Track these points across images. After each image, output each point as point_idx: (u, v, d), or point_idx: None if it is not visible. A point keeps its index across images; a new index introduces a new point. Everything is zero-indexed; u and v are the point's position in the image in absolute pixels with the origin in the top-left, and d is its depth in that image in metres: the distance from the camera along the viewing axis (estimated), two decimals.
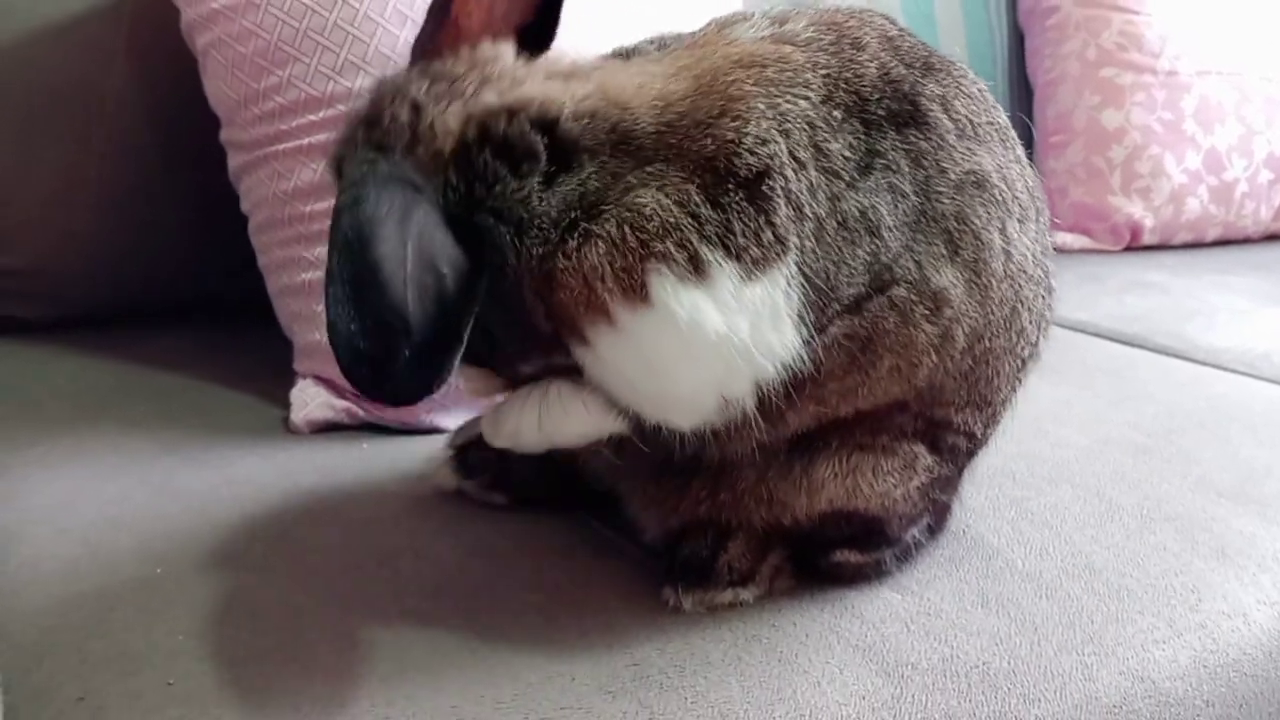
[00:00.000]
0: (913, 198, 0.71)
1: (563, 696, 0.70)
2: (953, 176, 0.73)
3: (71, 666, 0.71)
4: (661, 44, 0.79)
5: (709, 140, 0.67)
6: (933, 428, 0.79)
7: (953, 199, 0.72)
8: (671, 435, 0.73)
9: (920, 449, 0.79)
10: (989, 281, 0.74)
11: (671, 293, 0.65)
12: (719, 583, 0.80)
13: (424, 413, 1.07)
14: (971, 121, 0.75)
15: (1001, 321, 0.77)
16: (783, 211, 0.66)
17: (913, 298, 0.71)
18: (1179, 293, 1.63)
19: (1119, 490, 1.00)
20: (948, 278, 0.72)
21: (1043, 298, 0.81)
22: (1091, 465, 1.05)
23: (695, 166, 0.67)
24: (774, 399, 0.70)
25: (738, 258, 0.65)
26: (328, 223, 1.02)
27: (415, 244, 0.63)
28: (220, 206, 1.17)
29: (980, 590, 0.83)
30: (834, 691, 0.72)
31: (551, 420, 0.77)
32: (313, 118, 1.06)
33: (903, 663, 0.75)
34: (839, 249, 0.68)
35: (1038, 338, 0.82)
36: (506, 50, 0.73)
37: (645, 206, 0.66)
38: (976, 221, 0.73)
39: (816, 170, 0.68)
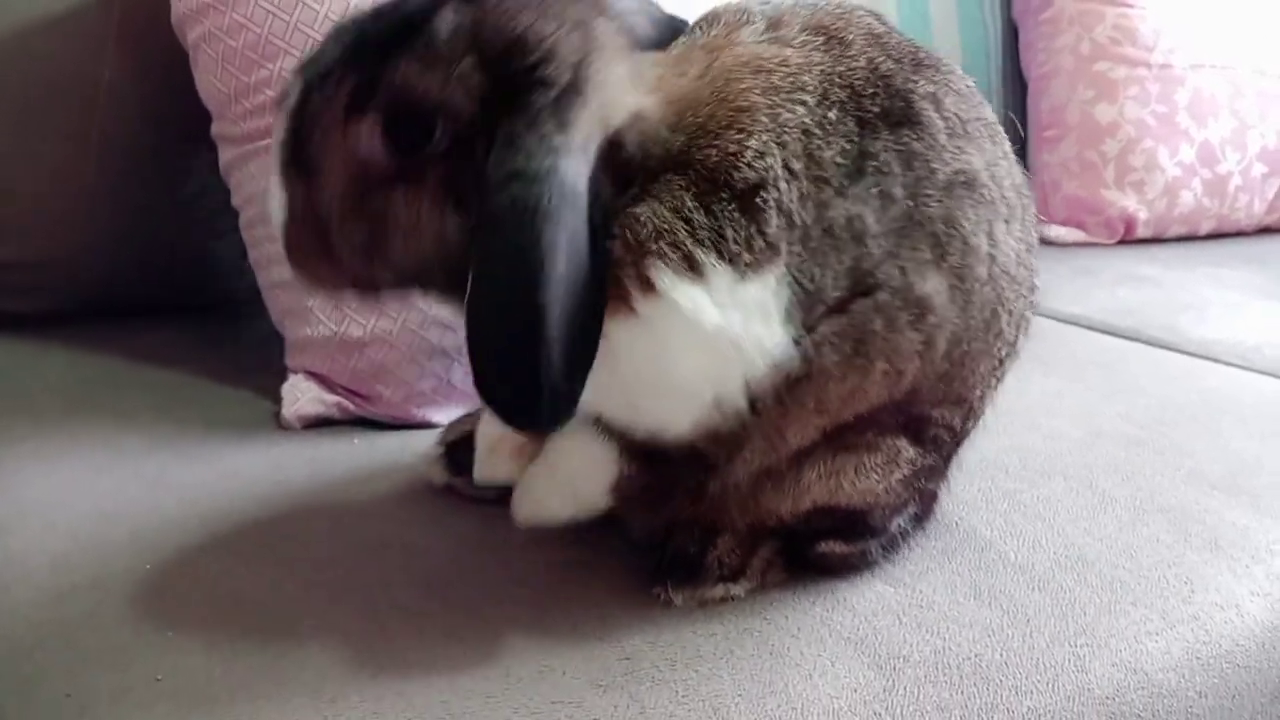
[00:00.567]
0: (902, 201, 0.72)
1: (554, 690, 0.69)
2: (942, 177, 0.73)
3: (60, 661, 0.71)
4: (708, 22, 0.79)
5: (714, 151, 0.69)
6: (914, 421, 0.79)
7: (941, 202, 0.73)
8: (676, 463, 0.75)
9: (903, 442, 0.79)
10: (971, 287, 0.75)
11: (671, 284, 0.67)
12: (709, 578, 0.80)
13: (415, 408, 1.07)
14: (961, 119, 0.76)
15: (981, 325, 0.77)
16: (774, 221, 0.68)
17: (896, 303, 0.72)
18: (1172, 286, 1.63)
19: (1111, 482, 1.00)
20: (932, 284, 0.73)
21: (1024, 298, 0.81)
22: (1084, 457, 1.05)
23: (696, 175, 0.69)
24: (770, 409, 0.72)
25: (730, 261, 0.68)
26: None
27: (575, 267, 0.64)
28: (213, 200, 1.17)
29: (973, 582, 0.83)
30: (826, 684, 0.72)
31: (574, 476, 0.79)
32: None
33: (895, 655, 0.75)
34: (824, 254, 0.70)
35: (1016, 337, 0.82)
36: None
37: (641, 215, 0.68)
38: (965, 225, 0.74)
39: (807, 179, 0.70)
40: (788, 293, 0.69)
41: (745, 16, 0.78)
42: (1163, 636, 0.80)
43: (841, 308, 0.71)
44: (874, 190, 0.71)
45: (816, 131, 0.70)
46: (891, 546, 0.85)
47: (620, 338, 0.68)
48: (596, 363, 0.67)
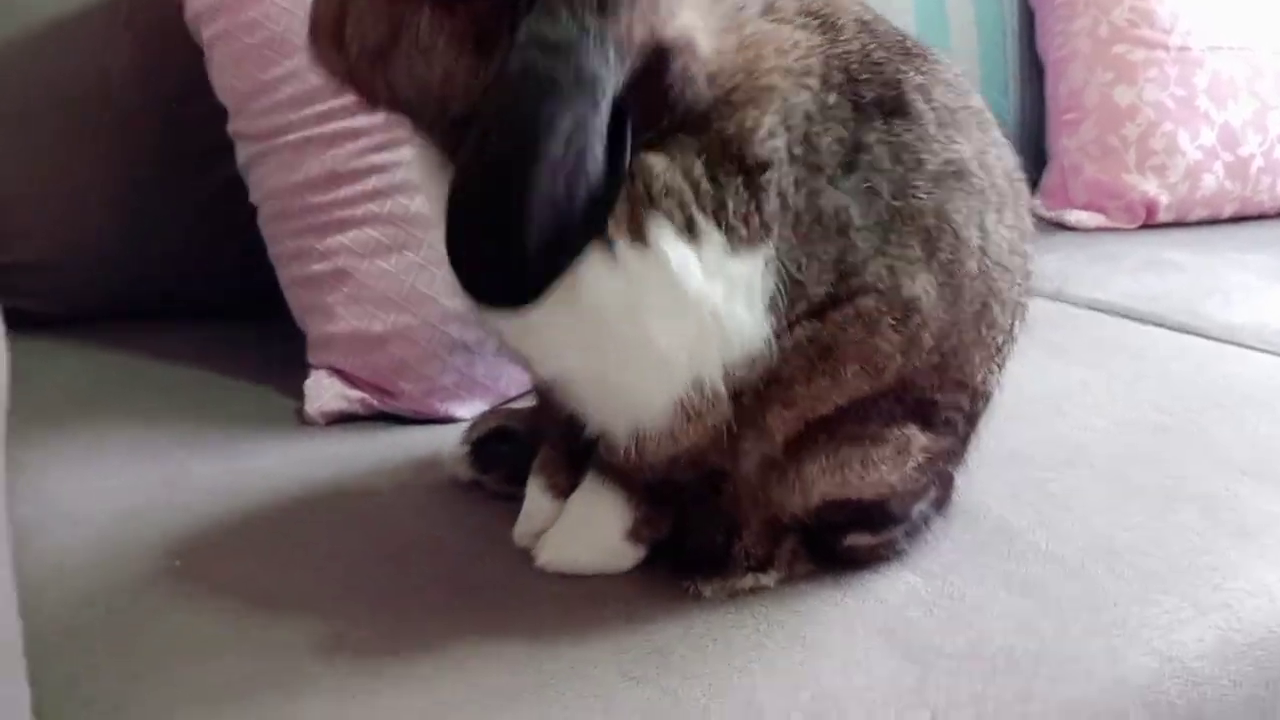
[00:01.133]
0: (887, 197, 0.72)
1: (585, 684, 0.69)
2: (931, 168, 0.73)
3: (95, 661, 0.71)
4: None
5: (731, 123, 0.69)
6: (920, 407, 0.79)
7: (931, 194, 0.73)
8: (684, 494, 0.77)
9: (912, 430, 0.79)
10: (961, 282, 0.75)
11: (667, 241, 0.67)
12: (737, 569, 0.80)
13: (438, 402, 1.07)
14: (949, 108, 0.76)
15: (971, 318, 0.77)
16: (773, 202, 0.69)
17: (880, 308, 0.72)
18: (1196, 270, 1.62)
19: (1139, 470, 0.99)
20: (920, 284, 0.73)
21: (1018, 285, 0.81)
22: (1111, 446, 1.04)
23: (710, 142, 0.69)
24: (748, 398, 0.72)
25: (726, 232, 0.68)
26: (338, 214, 1.06)
27: (575, 157, 0.62)
28: (230, 197, 1.17)
29: (1003, 573, 0.83)
30: (858, 676, 0.71)
31: (588, 523, 0.81)
32: (321, 108, 1.06)
33: (928, 647, 0.74)
34: (811, 243, 0.70)
35: (1012, 325, 0.81)
36: None
37: (655, 165, 0.68)
38: (957, 218, 0.74)
39: (803, 165, 0.70)
40: (774, 279, 0.70)
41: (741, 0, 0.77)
42: (1195, 625, 0.79)
43: (821, 313, 0.72)
44: (863, 185, 0.71)
45: (817, 116, 0.71)
46: (915, 533, 0.85)
47: (600, 286, 0.68)
48: (569, 317, 0.67)
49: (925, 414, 0.79)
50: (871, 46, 0.75)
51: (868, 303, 0.72)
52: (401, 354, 1.05)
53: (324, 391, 1.07)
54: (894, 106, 0.73)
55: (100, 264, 1.24)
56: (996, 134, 0.80)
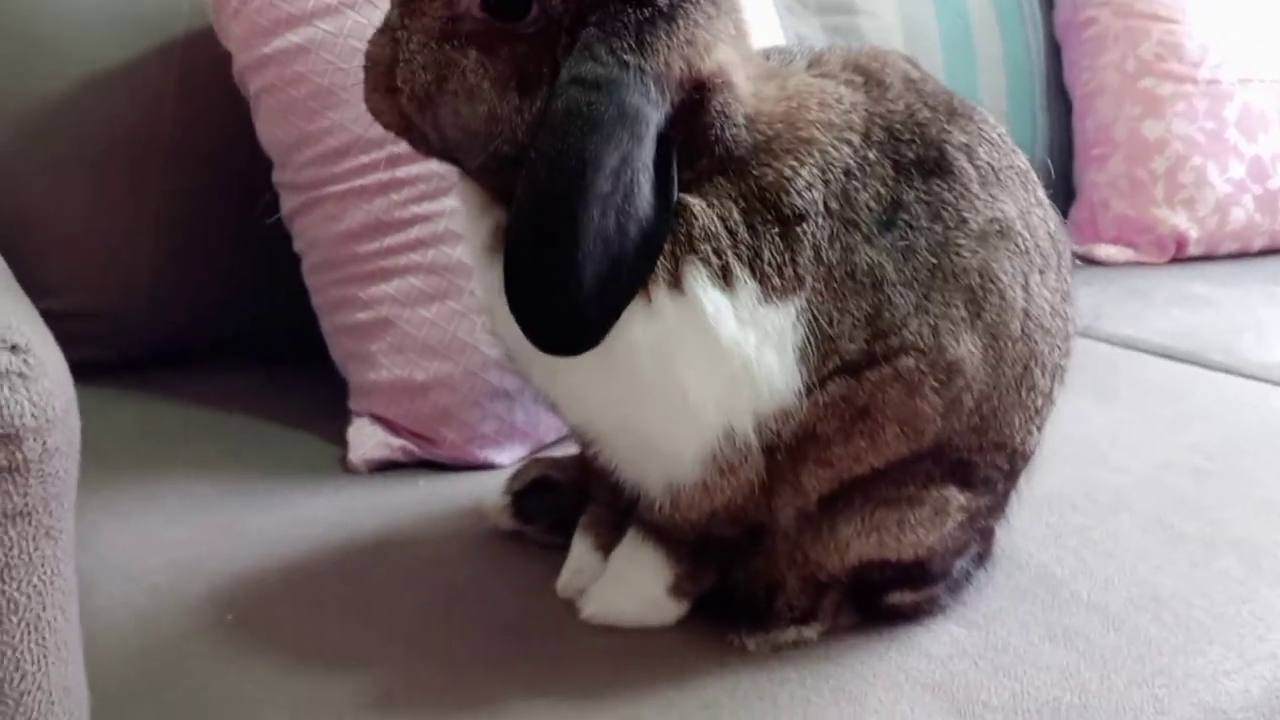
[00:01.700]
0: (926, 255, 0.72)
1: None
2: (975, 226, 0.74)
3: (150, 717, 0.72)
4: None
5: (770, 171, 0.70)
6: (958, 468, 0.79)
7: (975, 252, 0.73)
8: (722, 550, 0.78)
9: (951, 490, 0.79)
10: (1005, 344, 0.75)
11: (703, 288, 0.68)
12: (780, 622, 0.80)
13: (478, 449, 1.08)
14: (994, 167, 0.76)
15: (1012, 381, 0.77)
16: (807, 253, 0.70)
17: (922, 368, 0.72)
18: (1228, 305, 1.62)
19: (1180, 516, 0.99)
20: (965, 346, 0.73)
21: (1059, 348, 0.81)
22: (1152, 490, 1.04)
23: (747, 189, 0.70)
24: (782, 454, 0.73)
25: (760, 281, 0.69)
26: (381, 264, 1.08)
27: (623, 192, 0.64)
28: (275, 244, 1.19)
29: (1047, 623, 0.83)
30: None
31: (631, 577, 0.82)
32: (365, 160, 1.07)
33: (973, 700, 0.75)
34: (843, 297, 0.71)
35: (1052, 387, 0.81)
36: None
37: (695, 206, 0.69)
38: (1003, 278, 0.74)
39: (839, 220, 0.71)
40: (804, 330, 0.70)
41: (790, 55, 0.80)
42: (1241, 675, 0.79)
43: (856, 370, 0.72)
44: (900, 243, 0.72)
45: (856, 172, 0.72)
46: (956, 589, 0.85)
47: (632, 330, 0.68)
48: (599, 360, 0.67)
49: (964, 475, 0.79)
50: (917, 106, 0.75)
51: (908, 363, 0.72)
52: (443, 402, 1.07)
53: (366, 439, 1.08)
54: (934, 166, 0.74)
55: (150, 310, 1.26)
56: (1040, 193, 0.81)
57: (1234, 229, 1.86)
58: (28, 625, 0.52)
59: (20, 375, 0.50)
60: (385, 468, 1.08)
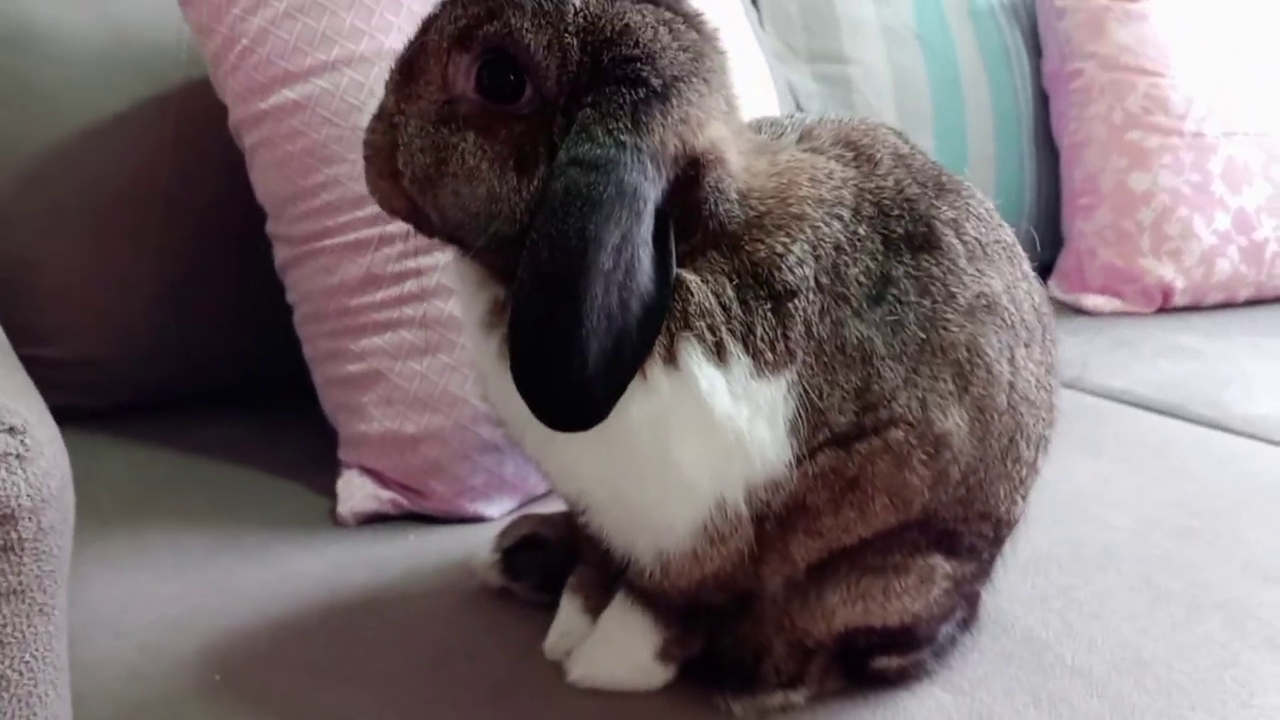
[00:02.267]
0: (915, 329, 0.73)
1: None
2: (963, 301, 0.74)
3: None
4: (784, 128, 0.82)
5: (762, 247, 0.71)
6: (944, 537, 0.79)
7: (963, 326, 0.74)
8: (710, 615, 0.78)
9: (937, 559, 0.79)
10: (991, 417, 0.76)
11: (697, 364, 0.69)
12: (767, 686, 0.81)
13: (467, 502, 1.09)
14: (980, 242, 0.77)
15: (998, 453, 0.78)
16: (798, 328, 0.70)
17: (911, 441, 0.73)
18: (1214, 357, 1.63)
19: (1165, 576, 1.00)
20: (953, 419, 0.74)
21: (1043, 419, 0.82)
22: (1137, 549, 1.05)
23: (739, 265, 0.71)
24: (771, 523, 0.73)
25: (753, 356, 0.70)
26: (373, 316, 1.09)
27: (624, 267, 0.65)
28: (267, 294, 1.19)
29: (1031, 689, 0.84)
30: None
31: (618, 641, 0.82)
32: (359, 214, 1.08)
33: None
34: (833, 370, 0.71)
35: (1036, 457, 0.82)
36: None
37: (690, 282, 0.70)
38: (989, 352, 0.75)
39: (830, 295, 0.72)
40: (795, 403, 0.70)
41: (781, 128, 0.81)
42: None
43: (845, 442, 0.72)
44: (889, 318, 0.72)
45: (846, 248, 0.73)
46: (942, 653, 0.86)
47: (628, 406, 0.69)
48: (598, 438, 0.68)
49: (950, 543, 0.79)
50: (906, 181, 0.76)
51: (897, 435, 0.73)
52: (433, 455, 1.07)
53: (355, 492, 1.09)
54: (924, 241, 0.75)
55: (145, 358, 1.27)
56: (1026, 267, 0.82)
57: (1220, 280, 1.88)
58: (19, 701, 0.53)
59: (18, 456, 0.51)
60: (375, 520, 1.08)
